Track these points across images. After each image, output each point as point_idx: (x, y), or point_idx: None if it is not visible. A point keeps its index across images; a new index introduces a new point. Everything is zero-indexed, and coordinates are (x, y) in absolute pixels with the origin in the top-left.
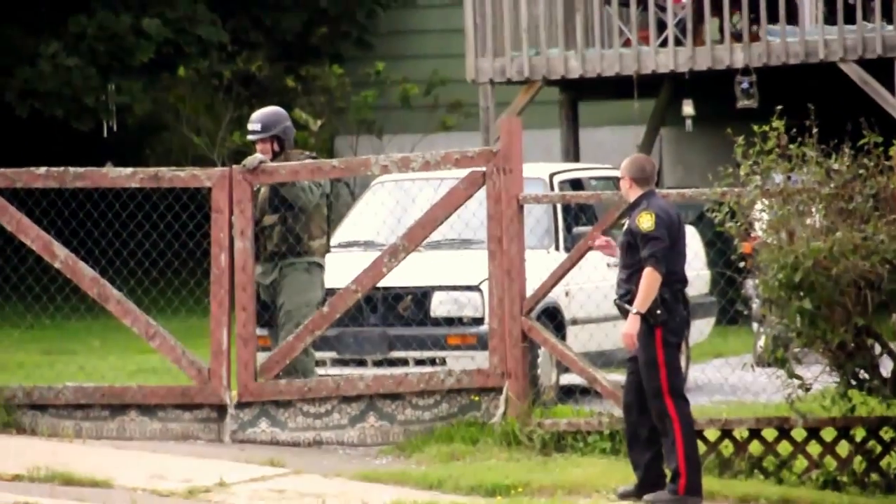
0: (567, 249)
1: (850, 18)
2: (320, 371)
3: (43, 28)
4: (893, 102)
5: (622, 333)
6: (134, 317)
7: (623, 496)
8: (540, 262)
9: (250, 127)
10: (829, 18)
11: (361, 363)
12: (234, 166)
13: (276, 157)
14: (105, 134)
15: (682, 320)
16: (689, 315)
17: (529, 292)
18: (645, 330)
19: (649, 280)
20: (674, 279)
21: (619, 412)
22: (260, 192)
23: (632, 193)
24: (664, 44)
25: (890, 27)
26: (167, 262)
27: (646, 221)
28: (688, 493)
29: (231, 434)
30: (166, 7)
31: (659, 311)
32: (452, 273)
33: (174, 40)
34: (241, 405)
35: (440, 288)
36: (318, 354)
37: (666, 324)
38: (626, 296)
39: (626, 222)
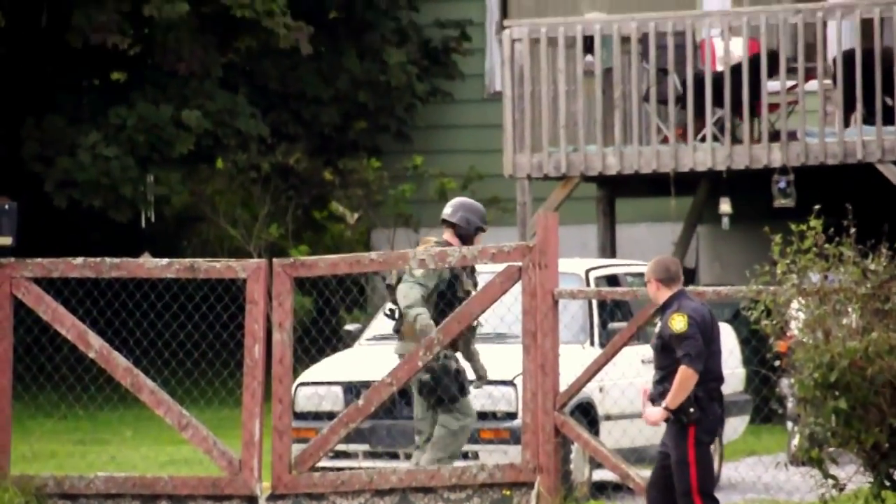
0: (602, 345)
1: (888, 120)
2: (353, 464)
3: (84, 118)
4: None
5: (644, 415)
6: (167, 407)
7: None
8: (574, 357)
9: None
10: (868, 119)
11: (394, 456)
12: (275, 259)
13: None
14: (142, 224)
15: (716, 419)
16: (723, 413)
17: (563, 387)
18: (678, 428)
19: (683, 377)
20: (709, 378)
21: None
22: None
23: (661, 295)
24: (702, 141)
25: None
26: (201, 353)
27: (678, 323)
28: None
29: None
30: (206, 99)
31: (692, 410)
32: (487, 367)
33: (213, 132)
34: (273, 497)
35: (474, 381)
36: (351, 447)
37: (699, 422)
38: (661, 398)
39: (658, 324)
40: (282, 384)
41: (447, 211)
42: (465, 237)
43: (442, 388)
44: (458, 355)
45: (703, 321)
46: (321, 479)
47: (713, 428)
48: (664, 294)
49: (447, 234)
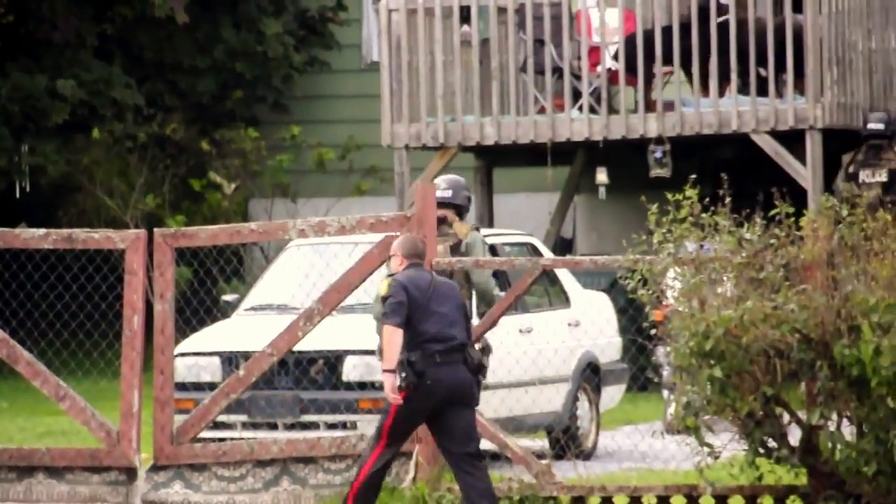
0: (480, 315)
1: (762, 91)
2: (232, 434)
3: None
4: (804, 173)
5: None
6: (43, 378)
7: None
8: None
9: (439, 193)
10: (743, 90)
11: (273, 427)
12: (156, 230)
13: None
14: (17, 195)
15: (440, 382)
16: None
17: None
18: (398, 388)
19: (385, 335)
20: (422, 339)
21: (529, 478)
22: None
23: (401, 268)
24: (580, 111)
25: (802, 100)
26: (79, 324)
27: (384, 287)
28: None
29: (143, 496)
30: (81, 69)
31: (404, 374)
32: (365, 337)
33: (89, 102)
34: (155, 468)
35: (352, 352)
36: (230, 418)
37: (415, 388)
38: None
39: None
40: (164, 355)
41: (447, 194)
42: (463, 215)
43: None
44: None
45: (414, 285)
46: (202, 449)
47: (437, 390)
48: (402, 266)
49: (447, 214)
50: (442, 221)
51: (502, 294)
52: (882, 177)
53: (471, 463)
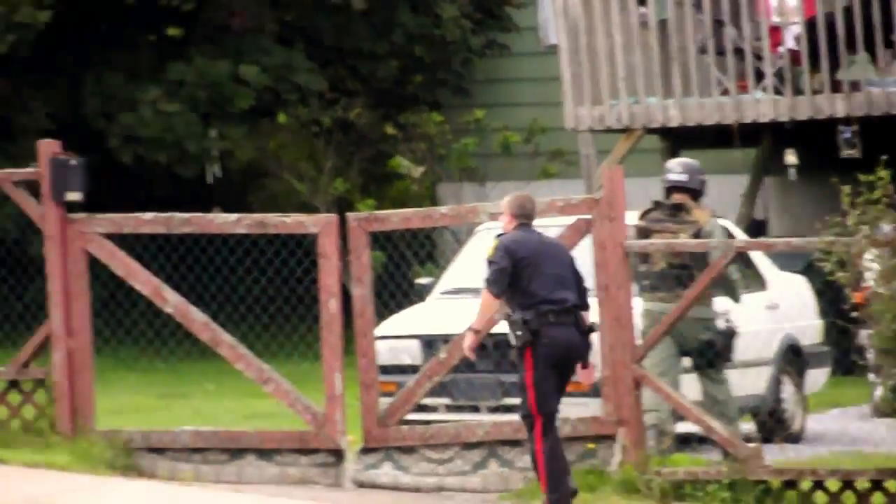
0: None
1: None
2: (436, 417)
3: (142, 75)
4: None
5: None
6: (247, 362)
7: None
8: None
9: (674, 177)
10: None
11: (475, 409)
12: (350, 214)
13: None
14: (209, 180)
15: (556, 342)
16: (577, 338)
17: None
18: (516, 354)
19: (482, 300)
20: (535, 301)
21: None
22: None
23: (509, 227)
24: (763, 92)
25: None
26: (277, 308)
27: (489, 250)
28: None
29: (352, 477)
30: (263, 55)
31: (519, 333)
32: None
33: (273, 87)
34: (365, 450)
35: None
36: (433, 400)
37: (533, 346)
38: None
39: None
40: (365, 338)
41: (682, 178)
42: (699, 200)
43: (724, 349)
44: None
45: (521, 246)
46: (410, 432)
47: (553, 352)
48: (511, 226)
49: (684, 200)
50: (679, 209)
51: (736, 277)
52: None
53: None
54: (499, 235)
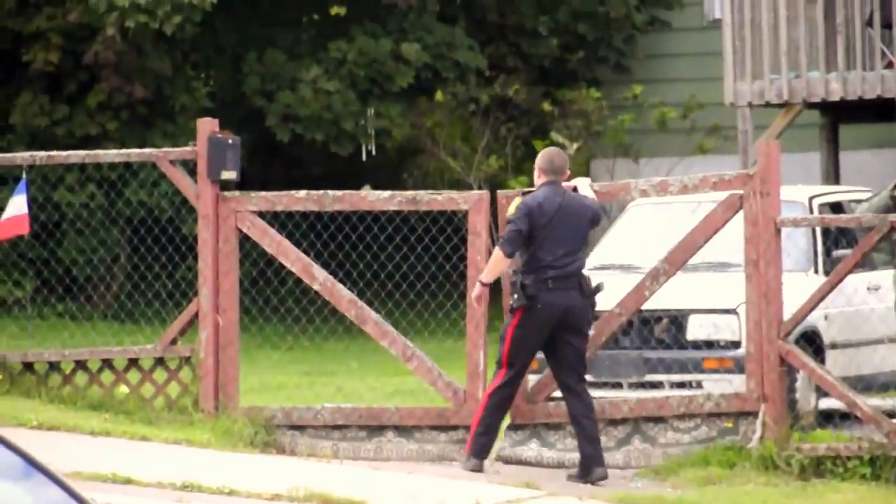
0: (826, 273)
1: None
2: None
3: (304, 54)
4: None
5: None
6: (391, 339)
7: None
8: (798, 286)
9: None
10: None
11: (618, 386)
12: (499, 191)
13: None
14: (363, 157)
15: (552, 306)
16: (578, 301)
17: (787, 316)
18: (510, 309)
19: (493, 256)
20: (538, 266)
21: (879, 437)
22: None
23: (538, 182)
24: None
25: None
26: (424, 285)
27: (511, 208)
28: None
29: (498, 452)
30: (425, 32)
31: (516, 296)
32: (709, 296)
33: (432, 65)
34: (514, 427)
35: (697, 311)
36: None
37: (526, 309)
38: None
39: None
40: None
41: None
42: None
43: None
44: None
45: (541, 208)
46: (556, 408)
47: (548, 315)
48: (540, 181)
49: None
50: None
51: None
52: None
53: (577, 385)
54: (524, 193)
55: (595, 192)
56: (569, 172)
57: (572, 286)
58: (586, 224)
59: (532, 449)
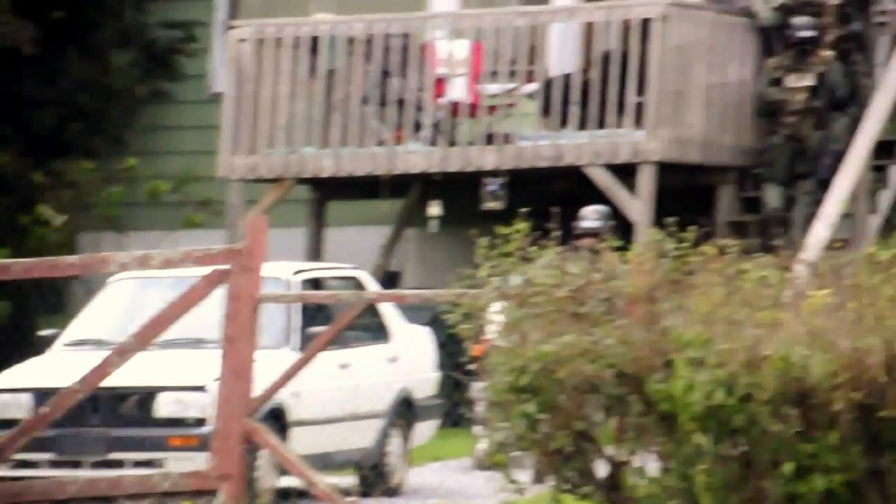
0: (301, 350)
1: (600, 124)
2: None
3: None
4: (636, 207)
5: None
6: None
7: None
8: (271, 363)
9: (586, 224)
10: (581, 123)
11: (77, 465)
12: None
13: None
14: None
15: None
16: None
17: (258, 393)
18: None
19: None
20: None
21: None
22: None
23: None
24: (418, 143)
25: (638, 133)
26: None
27: None
28: None
29: None
30: None
31: None
32: (180, 373)
33: None
34: None
35: (166, 388)
36: (34, 456)
37: None
38: None
39: None
40: None
41: (596, 224)
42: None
43: None
44: None
45: None
46: None
47: None
48: None
49: (589, 244)
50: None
51: None
52: (809, 81)
53: None
54: None
55: (71, 264)
56: None
57: None
58: None
59: None
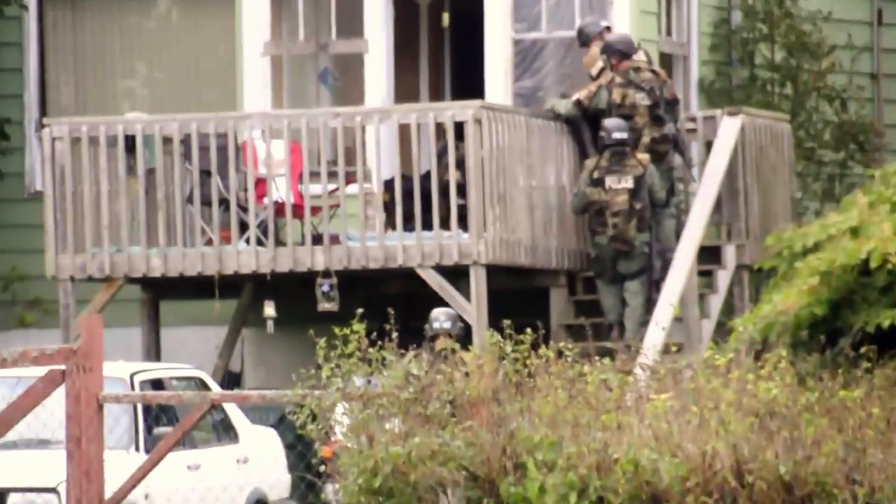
0: (147, 450)
1: (427, 226)
2: None
3: None
4: (469, 308)
5: None
6: None
7: None
8: (120, 464)
9: (437, 325)
10: (407, 226)
11: None
12: None
13: None
14: None
15: None
16: None
17: (109, 494)
18: None
19: None
20: None
21: None
22: None
23: None
24: (247, 243)
25: (465, 235)
26: None
27: None
28: None
29: None
30: None
31: None
32: (29, 474)
33: None
34: None
35: (16, 489)
36: None
37: None
38: None
39: None
40: None
41: (448, 325)
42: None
43: None
44: None
45: None
46: None
47: None
48: None
49: (442, 344)
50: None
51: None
52: (628, 183)
53: None
54: None
55: None
56: None
57: None
58: None
59: None
